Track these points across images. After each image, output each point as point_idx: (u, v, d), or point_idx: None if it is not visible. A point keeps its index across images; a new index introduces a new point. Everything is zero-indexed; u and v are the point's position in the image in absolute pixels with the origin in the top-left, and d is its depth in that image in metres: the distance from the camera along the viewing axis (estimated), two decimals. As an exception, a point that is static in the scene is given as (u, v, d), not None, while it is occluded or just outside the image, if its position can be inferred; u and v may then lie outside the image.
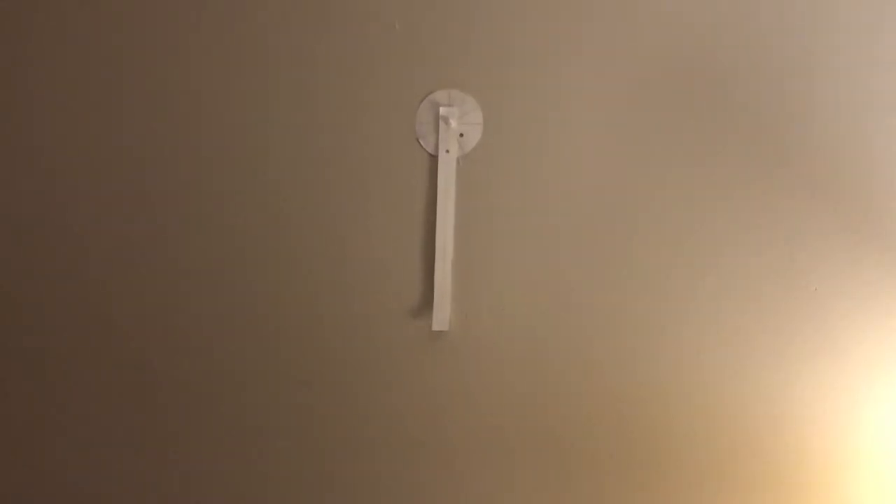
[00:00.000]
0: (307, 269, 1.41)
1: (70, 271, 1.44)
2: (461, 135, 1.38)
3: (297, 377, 1.42)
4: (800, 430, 1.31)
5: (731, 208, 1.32)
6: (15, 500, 1.48)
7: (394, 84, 1.39)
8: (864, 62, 1.28)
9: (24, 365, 1.46)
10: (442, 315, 1.38)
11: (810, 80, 1.29)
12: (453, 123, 1.37)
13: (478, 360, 1.38)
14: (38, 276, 1.45)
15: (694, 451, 1.34)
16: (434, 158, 1.39)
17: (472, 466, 1.39)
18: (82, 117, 1.43)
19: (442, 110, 1.37)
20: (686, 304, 1.33)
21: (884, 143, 1.28)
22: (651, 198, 1.34)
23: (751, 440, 1.32)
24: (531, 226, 1.37)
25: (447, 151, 1.38)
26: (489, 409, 1.38)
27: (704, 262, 1.33)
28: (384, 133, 1.39)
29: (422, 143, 1.39)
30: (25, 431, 1.47)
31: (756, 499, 1.32)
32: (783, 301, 1.31)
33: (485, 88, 1.37)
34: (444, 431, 1.39)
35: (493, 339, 1.38)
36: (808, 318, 1.30)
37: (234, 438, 1.44)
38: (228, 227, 1.42)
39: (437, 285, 1.38)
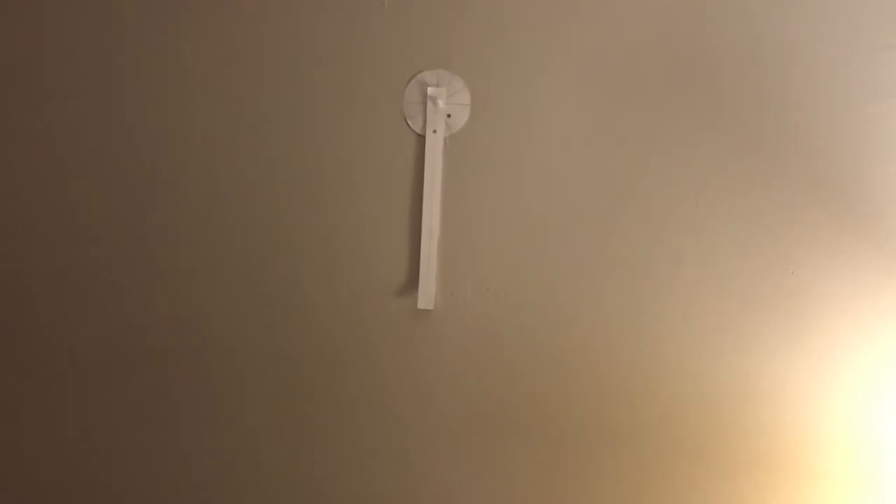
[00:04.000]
0: (295, 247, 1.42)
1: (64, 259, 1.44)
2: (449, 115, 1.39)
3: (284, 354, 1.43)
4: (773, 408, 1.34)
5: (711, 192, 1.34)
6: (15, 494, 1.48)
7: (382, 63, 1.39)
8: (842, 53, 1.30)
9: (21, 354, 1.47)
10: (427, 294, 1.39)
11: (789, 69, 1.31)
12: (441, 104, 1.38)
13: (462, 338, 1.40)
14: (37, 268, 1.45)
15: (672, 427, 1.36)
16: (421, 138, 1.39)
17: (457, 443, 1.41)
18: (79, 114, 1.43)
19: (430, 90, 1.38)
20: (666, 285, 1.36)
21: (861, 130, 1.30)
22: (633, 181, 1.36)
23: (726, 418, 1.35)
24: (517, 206, 1.38)
25: (434, 131, 1.39)
26: (473, 386, 1.40)
27: (684, 244, 1.35)
28: (372, 112, 1.40)
29: (409, 122, 1.40)
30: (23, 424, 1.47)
31: (731, 475, 1.35)
32: (761, 284, 1.34)
33: (473, 69, 1.38)
34: (430, 408, 1.41)
35: (478, 317, 1.40)
36: (784, 301, 1.33)
37: (222, 414, 1.45)
38: (217, 208, 1.43)
39: (423, 264, 1.39)
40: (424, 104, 1.39)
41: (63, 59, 1.43)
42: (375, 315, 1.41)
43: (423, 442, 1.42)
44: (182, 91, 1.42)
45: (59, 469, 1.48)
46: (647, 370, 1.36)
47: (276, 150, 1.41)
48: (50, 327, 1.47)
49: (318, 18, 1.39)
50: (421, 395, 1.41)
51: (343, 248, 1.42)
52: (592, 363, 1.37)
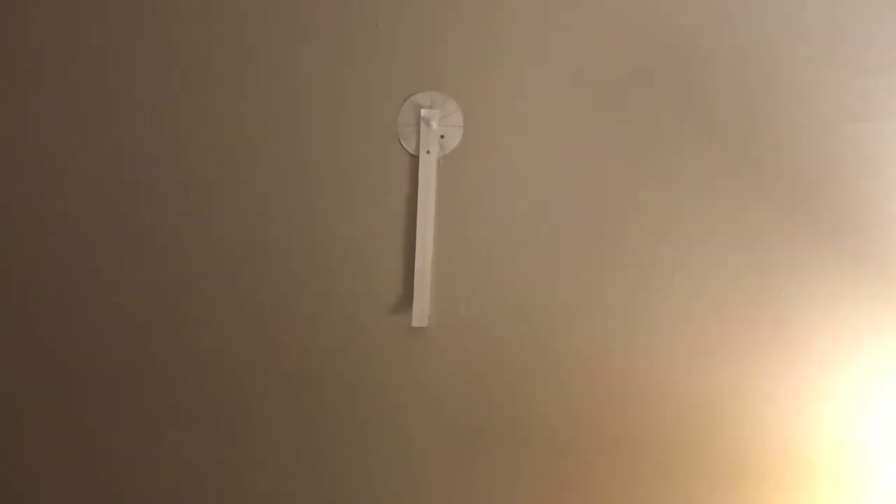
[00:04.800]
0: (290, 265, 1.43)
1: (67, 265, 1.45)
2: (442, 136, 1.42)
3: (278, 370, 1.44)
4: (760, 421, 1.36)
5: (700, 211, 1.37)
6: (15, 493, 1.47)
7: (376, 85, 1.42)
8: (831, 69, 1.35)
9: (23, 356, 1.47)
10: (421, 311, 1.41)
11: (780, 85, 1.35)
12: (434, 125, 1.41)
13: (456, 355, 1.41)
14: (38, 270, 1.45)
15: (664, 438, 1.37)
16: (415, 159, 1.42)
17: (453, 458, 1.42)
18: (76, 117, 1.45)
19: (423, 112, 1.41)
20: (657, 300, 1.38)
21: (842, 150, 1.34)
22: (626, 199, 1.39)
23: (714, 429, 1.37)
24: (509, 224, 1.41)
25: (428, 152, 1.42)
26: (468, 402, 1.41)
27: (675, 260, 1.38)
28: (366, 133, 1.43)
29: (403, 143, 1.42)
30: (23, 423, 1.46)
31: (723, 484, 1.36)
32: (748, 299, 1.37)
33: (466, 91, 1.41)
34: (424, 424, 1.42)
35: (472, 335, 1.41)
36: (770, 317, 1.36)
37: (215, 430, 1.44)
38: (211, 226, 1.44)
39: (417, 282, 1.41)
40: (418, 125, 1.42)
41: (63, 61, 1.45)
42: (370, 332, 1.43)
43: (418, 457, 1.42)
44: (178, 108, 1.44)
45: (54, 477, 1.47)
46: (640, 383, 1.38)
47: (271, 170, 1.43)
48: (44, 339, 1.47)
49: (312, 40, 1.42)
50: (415, 411, 1.42)
51: (338, 267, 1.43)
52: (586, 377, 1.39)
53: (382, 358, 1.42)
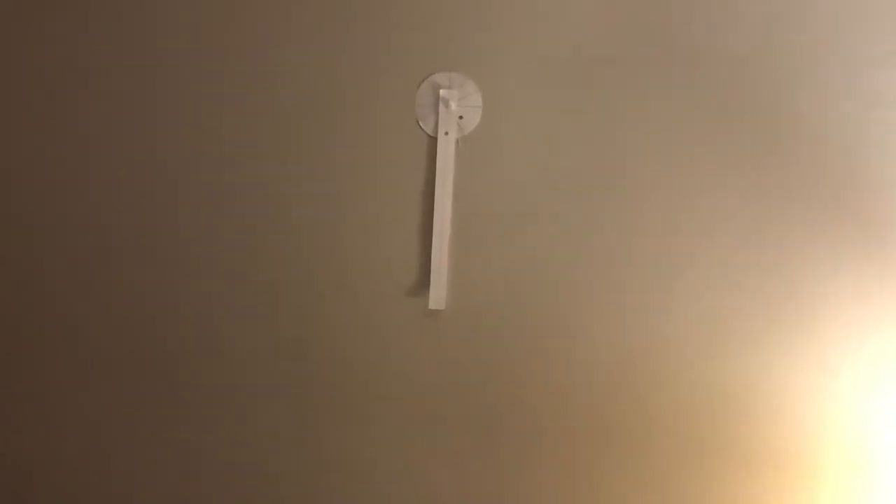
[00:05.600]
0: (306, 248, 1.43)
1: (87, 264, 1.46)
2: (461, 117, 1.40)
3: (295, 353, 1.44)
4: (775, 411, 1.34)
5: (719, 195, 1.35)
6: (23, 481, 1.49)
7: (394, 65, 1.40)
8: (854, 57, 1.31)
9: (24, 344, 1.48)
10: (438, 294, 1.40)
11: (795, 76, 1.32)
12: (453, 106, 1.39)
13: (473, 338, 1.40)
14: (47, 265, 1.47)
15: (676, 426, 1.36)
16: (433, 140, 1.40)
17: (467, 441, 1.41)
18: (100, 108, 1.45)
19: (442, 92, 1.39)
20: (674, 284, 1.36)
21: (869, 137, 1.31)
22: (645, 182, 1.36)
23: (728, 417, 1.35)
24: (528, 207, 1.39)
25: (446, 133, 1.40)
26: (484, 386, 1.41)
27: (692, 245, 1.35)
28: (383, 114, 1.41)
29: (421, 124, 1.41)
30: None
31: (735, 471, 1.35)
32: (764, 286, 1.34)
33: (485, 71, 1.39)
34: (440, 407, 1.41)
35: (489, 317, 1.40)
36: (787, 302, 1.34)
37: (230, 413, 1.45)
38: (228, 208, 1.44)
39: (434, 265, 1.40)
40: (436, 106, 1.40)
41: (73, 58, 1.45)
42: (386, 315, 1.42)
43: (433, 440, 1.42)
44: (195, 90, 1.44)
45: (62, 467, 1.49)
46: (655, 371, 1.37)
47: (287, 150, 1.43)
48: (57, 325, 1.48)
49: (330, 19, 1.40)
50: (432, 393, 1.42)
51: (354, 249, 1.42)
52: (602, 361, 1.38)
53: (399, 341, 1.42)
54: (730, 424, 1.35)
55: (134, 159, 1.45)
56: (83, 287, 1.46)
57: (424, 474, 1.42)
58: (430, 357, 1.41)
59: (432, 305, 1.40)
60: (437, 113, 1.40)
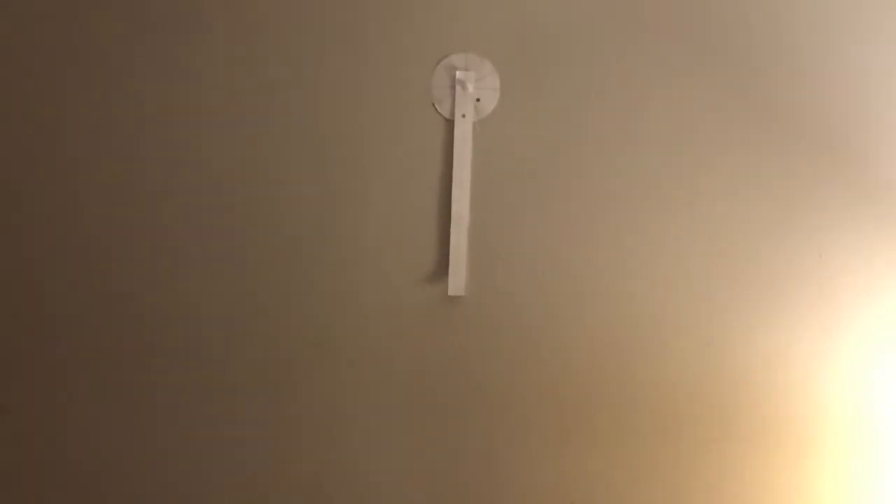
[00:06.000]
0: (324, 235, 1.40)
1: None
2: (478, 99, 1.37)
3: (313, 341, 1.41)
4: (775, 385, 1.35)
5: (741, 176, 1.35)
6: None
7: (409, 47, 1.37)
8: (868, 27, 1.31)
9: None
10: (457, 280, 1.38)
11: (823, 40, 1.32)
12: (470, 88, 1.36)
13: (493, 325, 1.39)
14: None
15: (696, 407, 1.37)
16: (450, 123, 1.38)
17: (488, 428, 1.41)
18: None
19: (458, 74, 1.36)
20: (693, 269, 1.36)
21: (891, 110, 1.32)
22: (667, 163, 1.36)
23: (749, 398, 1.36)
24: (547, 192, 1.37)
25: (463, 116, 1.37)
26: (504, 373, 1.40)
27: (714, 226, 1.36)
28: (399, 97, 1.38)
29: (437, 107, 1.38)
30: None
31: (737, 449, 1.37)
32: (788, 266, 1.35)
33: (502, 53, 1.36)
34: (460, 394, 1.40)
35: (509, 304, 1.38)
36: (812, 283, 1.35)
37: (251, 402, 1.42)
38: (245, 197, 1.40)
39: (453, 251, 1.38)
40: (453, 88, 1.37)
41: (75, 59, 1.39)
42: (406, 302, 1.40)
43: (453, 428, 1.41)
44: (204, 76, 1.39)
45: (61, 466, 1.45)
46: (673, 355, 1.36)
47: (302, 137, 1.39)
48: (69, 323, 1.43)
49: (341, 2, 1.36)
50: (452, 381, 1.40)
51: (371, 235, 1.40)
52: (622, 346, 1.37)
53: (419, 327, 1.40)
54: (750, 404, 1.36)
55: (151, 152, 1.40)
56: (102, 283, 1.41)
57: (447, 461, 1.42)
58: (450, 344, 1.40)
59: (452, 292, 1.38)
60: (453, 96, 1.37)
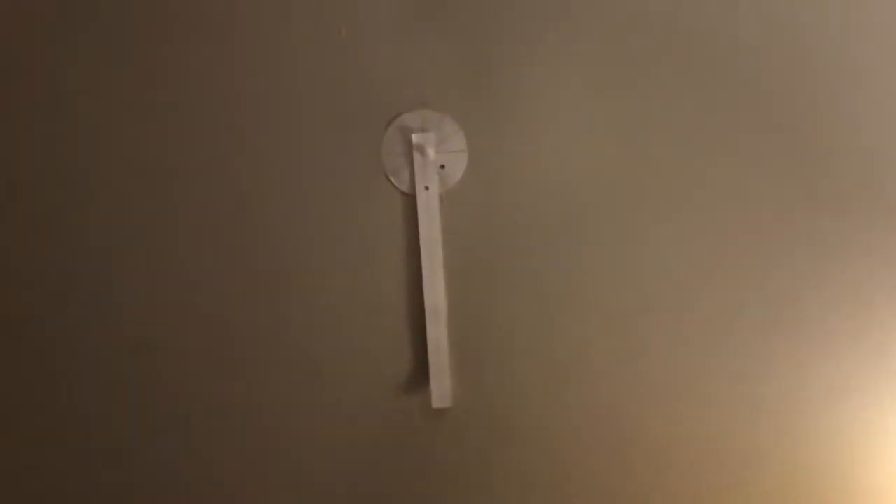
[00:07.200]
0: (272, 341, 1.14)
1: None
2: (442, 166, 1.11)
3: (276, 476, 1.17)
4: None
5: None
6: None
7: (350, 107, 1.10)
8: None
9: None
10: (442, 389, 1.14)
11: (844, 55, 1.07)
12: (431, 153, 1.10)
13: (489, 440, 1.15)
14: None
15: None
16: (411, 198, 1.12)
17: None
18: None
19: (414, 137, 1.09)
20: (701, 363, 1.13)
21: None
22: (660, 223, 1.11)
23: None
24: (535, 268, 1.13)
25: (426, 188, 1.11)
26: (505, 497, 1.16)
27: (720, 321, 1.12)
28: (345, 171, 1.12)
29: (393, 179, 1.12)
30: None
31: None
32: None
33: (465, 105, 1.09)
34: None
35: (505, 412, 1.15)
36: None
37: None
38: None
39: (433, 352, 1.13)
40: (410, 155, 1.10)
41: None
42: (380, 418, 1.16)
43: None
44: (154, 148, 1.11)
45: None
46: (680, 454, 1.14)
47: (231, 223, 1.12)
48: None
49: (262, 55, 1.08)
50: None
51: (329, 339, 1.15)
52: (635, 454, 1.15)
53: (398, 448, 1.16)
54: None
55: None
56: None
57: None
58: (437, 466, 1.16)
59: (436, 403, 1.14)
60: (411, 164, 1.11)
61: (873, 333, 1.11)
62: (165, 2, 1.08)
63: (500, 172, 1.11)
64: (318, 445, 1.17)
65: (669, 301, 1.12)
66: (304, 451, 1.18)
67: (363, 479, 1.17)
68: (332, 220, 1.12)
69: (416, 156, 1.10)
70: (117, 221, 1.13)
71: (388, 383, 1.16)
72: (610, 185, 1.10)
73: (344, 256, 1.13)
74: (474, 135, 1.10)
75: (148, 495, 1.20)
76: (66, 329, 1.17)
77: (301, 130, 1.11)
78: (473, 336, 1.14)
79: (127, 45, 1.09)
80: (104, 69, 1.10)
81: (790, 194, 1.08)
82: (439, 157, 1.10)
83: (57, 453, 1.19)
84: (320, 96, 1.09)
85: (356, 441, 1.16)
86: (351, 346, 1.15)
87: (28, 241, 1.15)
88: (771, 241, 1.10)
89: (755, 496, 1.15)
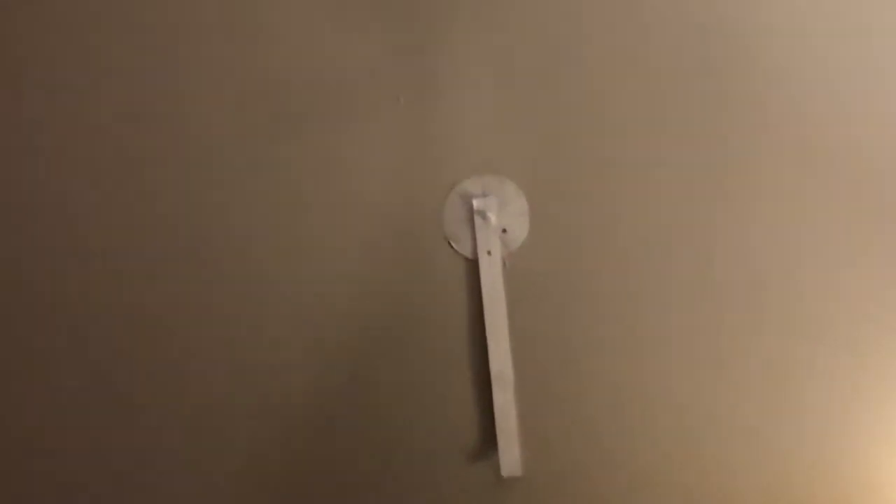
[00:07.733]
0: (335, 407, 1.13)
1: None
2: (504, 230, 1.10)
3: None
4: None
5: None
6: None
7: (409, 176, 1.10)
8: None
9: None
10: (511, 457, 1.11)
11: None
12: (492, 218, 1.09)
13: (564, 507, 1.12)
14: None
15: None
16: (473, 263, 1.11)
17: None
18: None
19: (476, 203, 1.09)
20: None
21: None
22: (728, 287, 1.08)
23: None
24: (602, 332, 1.10)
25: (489, 253, 1.10)
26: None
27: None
28: (406, 239, 1.11)
29: (454, 245, 1.11)
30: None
31: None
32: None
33: (526, 168, 1.09)
34: None
35: (577, 481, 1.11)
36: None
37: None
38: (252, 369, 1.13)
39: (500, 420, 1.11)
40: (471, 221, 1.10)
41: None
42: (448, 489, 1.13)
43: None
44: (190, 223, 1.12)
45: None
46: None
47: (300, 300, 1.12)
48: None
49: (314, 126, 1.09)
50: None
51: (397, 408, 1.13)
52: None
53: (470, 520, 1.13)
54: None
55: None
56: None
57: None
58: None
59: (505, 472, 1.11)
60: (473, 229, 1.10)
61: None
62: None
63: (563, 235, 1.09)
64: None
65: (747, 362, 1.08)
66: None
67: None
68: (396, 288, 1.12)
69: (478, 221, 1.09)
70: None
71: (455, 451, 1.13)
72: (678, 247, 1.08)
73: (408, 324, 1.12)
74: (536, 198, 1.09)
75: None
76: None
77: (363, 198, 1.11)
78: (541, 403, 1.11)
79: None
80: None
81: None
82: (501, 221, 1.09)
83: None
84: (382, 170, 1.09)
85: (425, 511, 1.14)
86: (415, 413, 1.13)
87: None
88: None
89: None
